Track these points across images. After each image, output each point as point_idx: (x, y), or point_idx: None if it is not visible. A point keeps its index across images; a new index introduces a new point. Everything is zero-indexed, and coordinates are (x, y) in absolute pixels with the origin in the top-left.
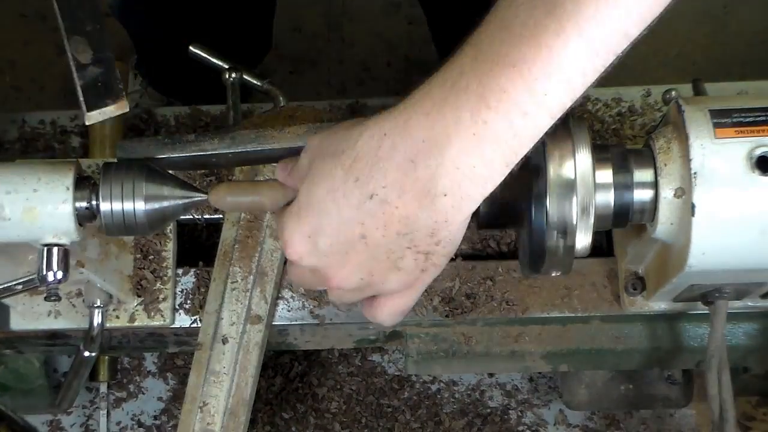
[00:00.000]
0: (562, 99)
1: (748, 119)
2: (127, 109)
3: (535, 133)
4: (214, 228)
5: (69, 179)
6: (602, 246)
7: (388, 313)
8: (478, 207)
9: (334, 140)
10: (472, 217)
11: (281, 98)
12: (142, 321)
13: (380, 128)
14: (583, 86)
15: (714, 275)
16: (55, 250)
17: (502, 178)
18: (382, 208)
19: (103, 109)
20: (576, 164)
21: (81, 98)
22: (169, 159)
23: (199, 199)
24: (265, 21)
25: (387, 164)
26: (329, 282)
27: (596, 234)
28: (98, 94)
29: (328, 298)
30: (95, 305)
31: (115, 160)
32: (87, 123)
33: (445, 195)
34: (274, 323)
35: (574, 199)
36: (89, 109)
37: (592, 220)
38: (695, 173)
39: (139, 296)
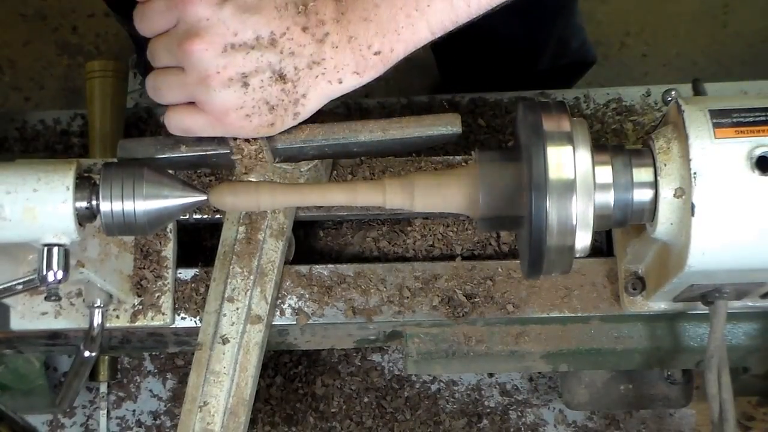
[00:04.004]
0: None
1: (748, 119)
2: None
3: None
4: (214, 228)
5: (69, 179)
6: (602, 246)
7: (188, 123)
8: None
9: None
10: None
11: None
12: (142, 321)
13: None
14: (467, 15)
15: (714, 275)
16: (55, 250)
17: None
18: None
19: None
20: (576, 164)
21: None
22: (169, 159)
23: (199, 199)
24: None
25: None
26: (203, 35)
27: (596, 234)
28: None
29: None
30: (95, 305)
31: (116, 160)
32: None
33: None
34: (274, 323)
35: (574, 199)
36: None
37: (592, 220)
38: (695, 173)
39: (139, 296)
